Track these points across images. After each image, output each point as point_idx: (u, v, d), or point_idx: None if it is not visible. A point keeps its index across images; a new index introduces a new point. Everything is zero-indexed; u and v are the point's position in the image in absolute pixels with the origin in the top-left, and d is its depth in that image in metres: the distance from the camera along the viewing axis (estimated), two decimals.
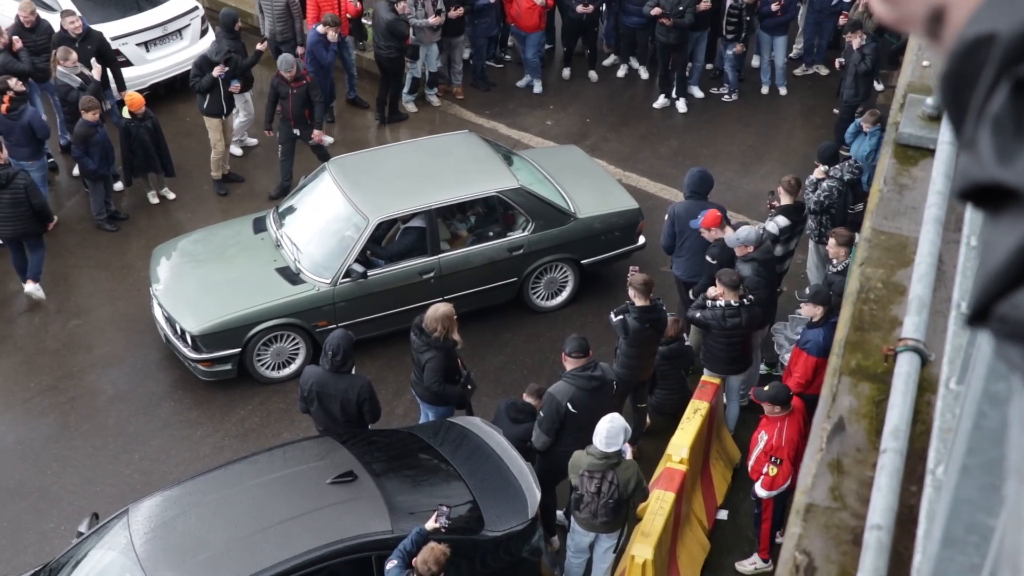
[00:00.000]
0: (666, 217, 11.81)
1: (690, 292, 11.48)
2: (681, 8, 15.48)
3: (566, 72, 17.32)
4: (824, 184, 11.92)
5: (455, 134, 13.84)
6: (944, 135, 5.46)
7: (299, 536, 8.21)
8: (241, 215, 13.22)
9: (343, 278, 11.62)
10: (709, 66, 17.10)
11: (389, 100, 16.03)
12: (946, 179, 5.07)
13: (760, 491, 9.47)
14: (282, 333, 11.63)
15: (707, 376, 10.63)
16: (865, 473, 4.71)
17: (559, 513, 10.12)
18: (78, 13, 14.50)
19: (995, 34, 1.18)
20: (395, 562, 7.84)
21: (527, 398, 10.06)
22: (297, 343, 11.74)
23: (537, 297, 12.76)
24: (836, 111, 15.33)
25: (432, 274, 11.99)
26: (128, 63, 15.53)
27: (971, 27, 1.21)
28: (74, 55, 13.59)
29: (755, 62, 17.14)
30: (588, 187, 13.04)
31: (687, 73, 16.58)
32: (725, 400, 10.99)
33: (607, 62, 17.62)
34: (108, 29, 15.29)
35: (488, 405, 10.90)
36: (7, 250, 13.02)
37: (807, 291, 10.09)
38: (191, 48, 15.94)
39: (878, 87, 15.37)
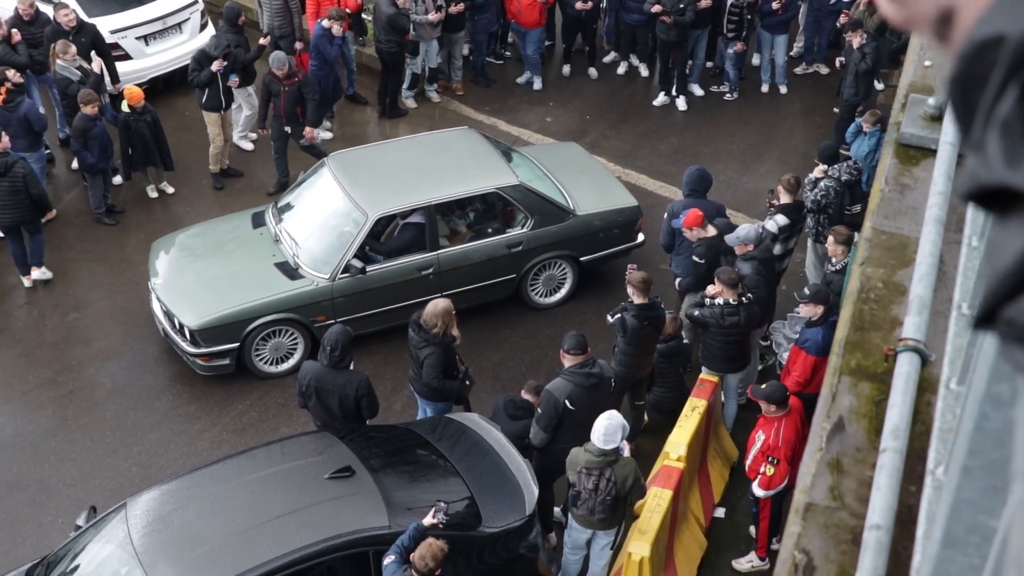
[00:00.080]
0: (665, 215, 11.82)
1: (676, 283, 11.47)
2: (682, 6, 15.48)
3: (566, 69, 17.32)
4: (822, 183, 11.92)
5: (455, 130, 13.83)
6: (946, 135, 5.45)
7: (297, 531, 8.21)
8: (240, 210, 13.21)
9: (342, 273, 11.62)
10: (709, 64, 17.11)
11: (389, 95, 16.02)
12: (947, 179, 5.07)
13: (757, 490, 9.47)
14: (280, 328, 11.63)
15: (705, 374, 10.63)
16: (864, 473, 4.71)
17: (556, 510, 10.12)
18: (72, 6, 14.47)
19: (1004, 36, 1.17)
20: (392, 557, 7.84)
21: (525, 395, 10.06)
22: (295, 338, 11.74)
23: (536, 294, 12.76)
24: (836, 110, 15.33)
25: (431, 270, 11.99)
26: (127, 57, 15.52)
27: (980, 29, 1.21)
28: (73, 48, 13.58)
29: (755, 60, 17.14)
30: (587, 184, 13.03)
31: (687, 71, 16.57)
32: (723, 398, 11.00)
33: (607, 59, 17.62)
34: (108, 23, 15.29)
35: (486, 401, 10.90)
36: (5, 243, 13.05)
37: (806, 291, 10.09)
38: (191, 42, 15.93)
39: (878, 86, 15.37)
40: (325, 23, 14.71)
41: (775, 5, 15.85)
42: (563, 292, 12.85)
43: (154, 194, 14.42)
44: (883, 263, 6.03)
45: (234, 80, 14.33)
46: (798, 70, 17.29)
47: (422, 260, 11.97)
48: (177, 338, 11.55)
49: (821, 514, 4.62)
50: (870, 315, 5.69)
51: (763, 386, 9.44)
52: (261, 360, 11.70)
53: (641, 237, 12.90)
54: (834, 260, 10.77)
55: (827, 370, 5.52)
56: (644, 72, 17.30)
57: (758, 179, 14.84)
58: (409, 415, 10.97)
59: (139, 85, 14.44)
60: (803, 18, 17.19)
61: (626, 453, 9.10)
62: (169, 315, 11.60)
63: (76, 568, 8.42)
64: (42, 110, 13.87)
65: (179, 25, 16.11)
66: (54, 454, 10.96)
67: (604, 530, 9.13)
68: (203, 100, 14.22)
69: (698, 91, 16.76)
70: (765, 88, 16.87)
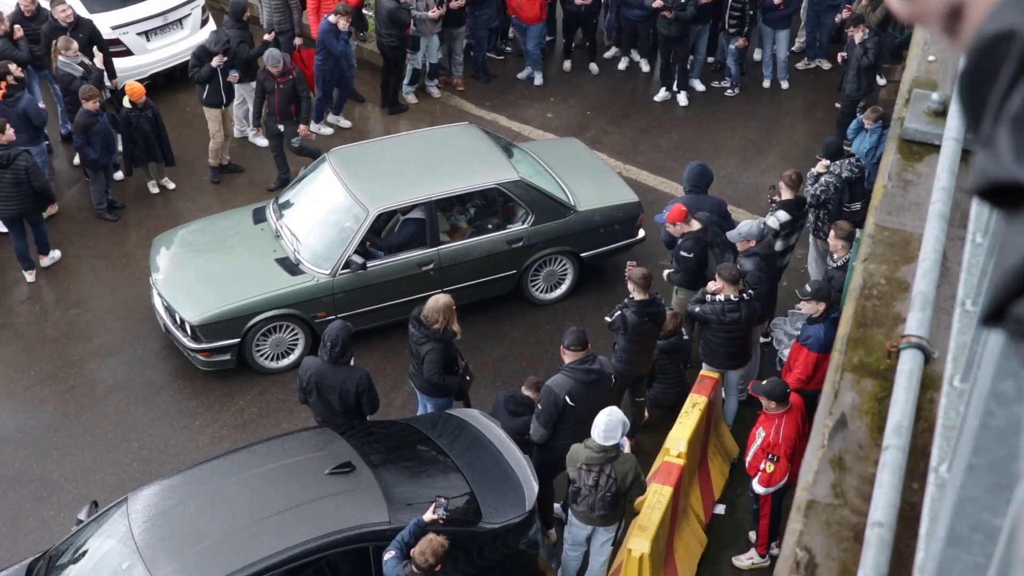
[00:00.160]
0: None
1: (664, 275, 11.45)
2: (683, 1, 15.46)
3: (567, 64, 17.30)
4: (823, 179, 11.91)
5: (455, 126, 13.82)
6: (949, 130, 5.44)
7: (297, 526, 8.21)
8: (241, 205, 13.21)
9: (342, 269, 11.62)
10: (711, 59, 17.09)
11: (390, 89, 16.01)
12: (951, 175, 5.05)
13: (757, 487, 9.46)
14: (281, 324, 11.62)
15: (706, 370, 10.62)
16: (867, 470, 4.70)
17: (556, 506, 10.12)
18: (70, 2, 14.45)
19: (1015, 31, 1.16)
20: (393, 553, 7.84)
21: (526, 391, 10.06)
22: (296, 334, 11.74)
23: (536, 290, 12.76)
24: (838, 105, 15.31)
25: (431, 266, 11.98)
26: (129, 52, 15.51)
27: (990, 24, 1.20)
28: (75, 45, 13.58)
29: (757, 55, 17.11)
30: (588, 180, 13.02)
31: (688, 66, 16.56)
32: (724, 395, 10.99)
33: (608, 55, 17.60)
34: (109, 18, 15.30)
35: (486, 397, 10.90)
36: (6, 239, 13.05)
37: (807, 288, 10.07)
38: (191, 38, 15.92)
39: (881, 82, 15.36)
40: (332, 18, 14.71)
41: (776, 0, 15.82)
42: (564, 288, 12.84)
43: (155, 190, 14.42)
44: (886, 259, 6.02)
45: (234, 75, 14.33)
46: (800, 65, 17.27)
47: (423, 256, 11.96)
48: (178, 334, 11.54)
49: (823, 511, 4.62)
50: (873, 311, 5.68)
51: (764, 382, 9.43)
52: (262, 356, 11.70)
53: (642, 233, 12.89)
54: (835, 256, 10.76)
55: (829, 367, 5.51)
56: (645, 67, 17.28)
57: (759, 175, 14.83)
58: (409, 411, 10.97)
59: (140, 81, 14.44)
60: (804, 13, 17.17)
61: (626, 449, 9.10)
62: (170, 311, 11.60)
63: (78, 563, 8.43)
64: (42, 105, 13.86)
65: (180, 21, 16.10)
66: (55, 449, 10.97)
67: (604, 526, 9.13)
68: (203, 96, 14.22)
69: (699, 87, 16.74)
70: (766, 83, 16.85)
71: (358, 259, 11.61)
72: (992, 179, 1.15)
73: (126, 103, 13.62)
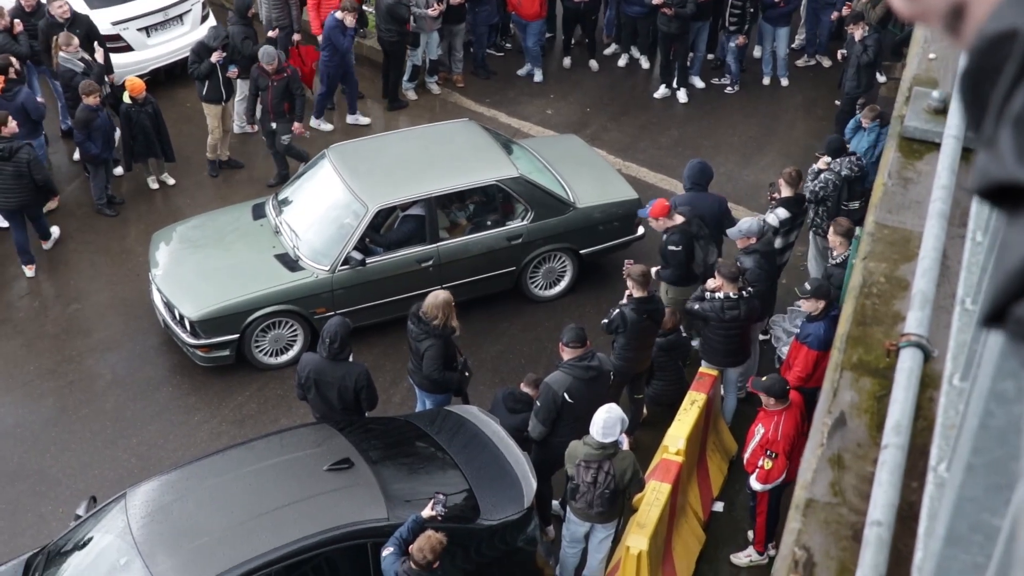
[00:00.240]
0: None
1: (652, 272, 11.43)
2: None
3: (567, 61, 17.29)
4: (822, 176, 11.92)
5: (455, 122, 13.81)
6: (949, 129, 5.43)
7: (295, 522, 8.21)
8: (240, 201, 13.20)
9: (342, 265, 11.61)
10: (711, 56, 17.08)
11: (390, 85, 16.01)
12: (951, 173, 5.05)
13: (755, 484, 9.46)
14: (280, 319, 11.62)
15: (705, 368, 10.62)
16: (866, 469, 4.70)
17: (555, 503, 10.12)
18: None
19: (1017, 30, 1.16)
20: (391, 549, 7.84)
21: (524, 388, 10.06)
22: (295, 330, 11.74)
23: (535, 286, 12.75)
24: (838, 103, 15.31)
25: (431, 262, 11.98)
26: (129, 48, 15.51)
27: (992, 23, 1.20)
28: (76, 40, 13.57)
29: (757, 52, 17.11)
30: (588, 177, 13.01)
31: (688, 63, 16.55)
32: (723, 392, 10.99)
33: (608, 51, 17.59)
34: (109, 14, 15.29)
35: (485, 394, 10.90)
36: (5, 234, 13.06)
37: (807, 286, 10.06)
38: (192, 33, 15.91)
39: (881, 79, 15.35)
40: (338, 14, 14.71)
41: None
42: (563, 285, 12.84)
43: (155, 185, 14.41)
44: (886, 257, 6.01)
45: (233, 71, 14.32)
46: (799, 62, 17.27)
47: (422, 252, 11.96)
48: (177, 329, 11.54)
49: (822, 510, 4.61)
50: (872, 310, 5.67)
51: (763, 379, 9.44)
52: (261, 351, 11.70)
53: (641, 230, 12.88)
54: (835, 253, 10.76)
55: (828, 365, 5.51)
56: (645, 64, 17.28)
57: (759, 172, 14.83)
58: (408, 407, 10.97)
59: (140, 76, 14.43)
60: (804, 10, 17.17)
61: (625, 446, 9.09)
62: (169, 306, 11.60)
63: (76, 558, 8.43)
64: (40, 99, 13.85)
65: (180, 16, 16.09)
66: (54, 444, 10.97)
67: (602, 523, 9.13)
68: (203, 92, 14.21)
69: (699, 83, 16.74)
70: (766, 80, 16.85)
71: (357, 255, 11.60)
72: (993, 179, 1.15)
73: (126, 99, 13.62)
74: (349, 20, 14.72)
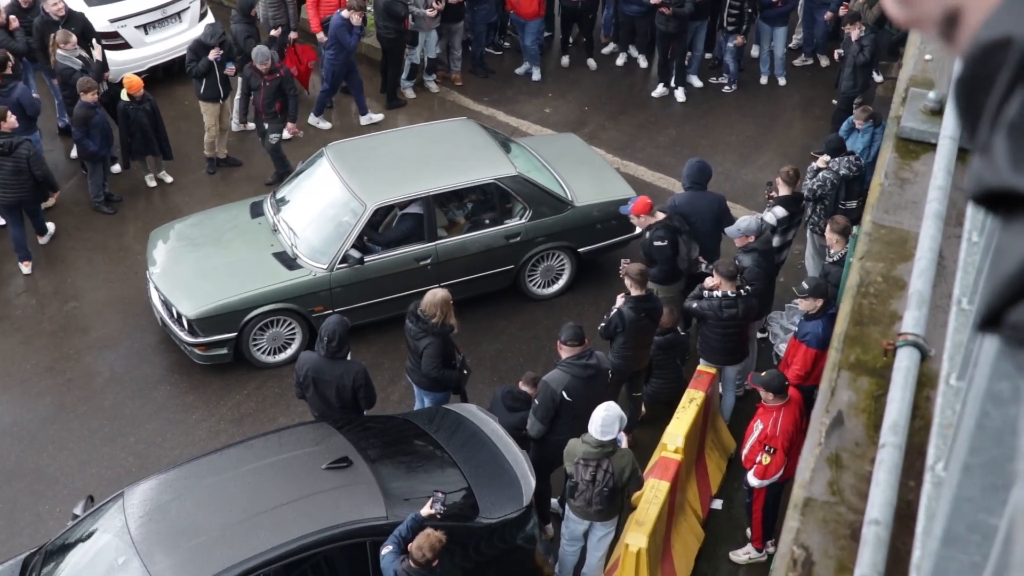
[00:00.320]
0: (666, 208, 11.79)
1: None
2: None
3: (565, 60, 17.30)
4: (821, 174, 11.94)
5: (453, 121, 13.82)
6: (946, 129, 5.45)
7: (294, 521, 8.21)
8: (238, 199, 13.20)
9: (340, 264, 11.61)
10: (708, 56, 17.08)
11: (388, 83, 16.00)
12: (947, 174, 5.06)
13: (752, 480, 9.47)
14: (278, 318, 11.62)
15: (703, 366, 10.63)
16: (864, 468, 4.71)
17: (554, 501, 10.13)
18: None
19: (1012, 38, 1.17)
20: (390, 548, 7.85)
21: (523, 386, 10.07)
22: (293, 328, 11.74)
23: (534, 285, 12.76)
24: (835, 102, 15.32)
25: (429, 260, 11.98)
26: (127, 46, 15.50)
27: (987, 30, 1.21)
28: (74, 38, 13.56)
29: (754, 52, 17.12)
30: (586, 175, 13.02)
31: (686, 62, 16.55)
32: (721, 390, 11.00)
33: (606, 50, 17.60)
34: (107, 11, 15.29)
35: (484, 392, 10.90)
36: (3, 232, 13.05)
37: (804, 285, 10.07)
38: (190, 31, 15.89)
39: (877, 78, 15.36)
40: (344, 13, 14.71)
41: None
42: (561, 283, 12.85)
43: (152, 183, 14.41)
44: (883, 257, 6.02)
45: (231, 68, 14.31)
46: (797, 62, 17.28)
47: (420, 250, 11.96)
48: (175, 327, 11.54)
49: (820, 509, 4.63)
50: (869, 309, 5.69)
51: (763, 374, 9.46)
52: (259, 350, 11.70)
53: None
54: (832, 251, 10.77)
55: (826, 364, 5.52)
56: (643, 63, 17.28)
57: (757, 171, 14.84)
58: (406, 405, 10.98)
59: (139, 74, 14.43)
60: (801, 10, 17.18)
61: (623, 444, 9.10)
62: (167, 304, 11.59)
63: (73, 557, 8.43)
64: (35, 95, 13.85)
65: (178, 14, 16.08)
66: (52, 443, 10.97)
67: (601, 521, 9.14)
68: (201, 90, 14.20)
69: (697, 83, 16.74)
70: (764, 80, 16.86)
71: (355, 254, 11.60)
72: (988, 186, 1.16)
73: (124, 96, 13.61)
74: (356, 19, 14.71)
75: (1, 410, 11.34)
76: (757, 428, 9.35)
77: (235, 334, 11.45)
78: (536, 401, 9.51)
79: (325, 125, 15.53)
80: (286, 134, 14.22)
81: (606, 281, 12.67)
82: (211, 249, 12.08)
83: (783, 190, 11.67)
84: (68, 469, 10.70)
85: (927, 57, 7.74)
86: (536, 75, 16.89)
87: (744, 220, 11.03)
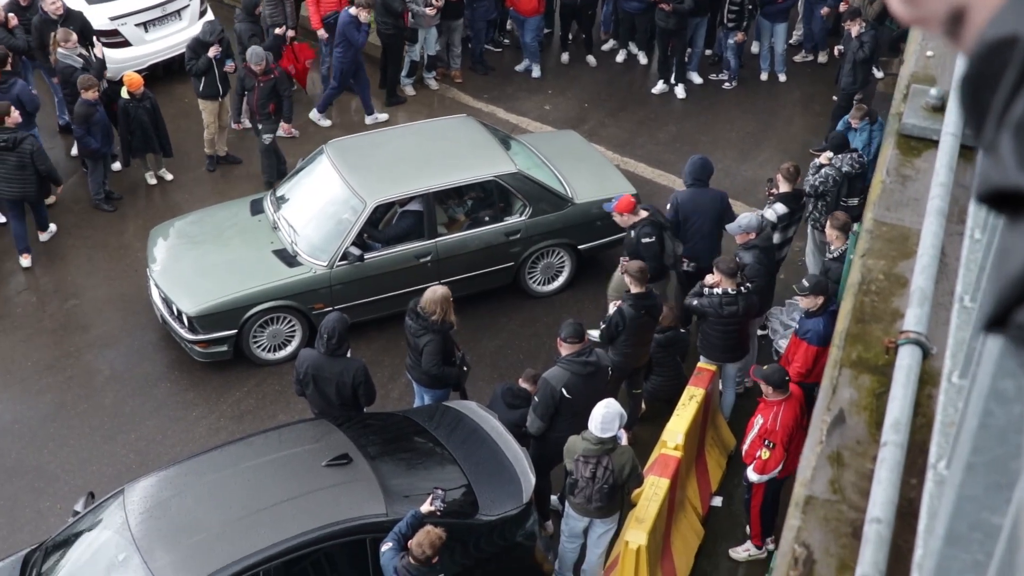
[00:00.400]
0: (668, 206, 11.78)
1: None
2: None
3: (565, 57, 17.29)
4: (823, 170, 11.94)
5: (453, 118, 13.81)
6: (948, 126, 5.44)
7: (294, 518, 8.22)
8: (238, 197, 13.19)
9: (340, 261, 11.61)
10: (708, 52, 17.07)
11: (388, 80, 15.98)
12: (949, 170, 5.05)
13: (751, 475, 9.47)
14: (278, 315, 11.62)
15: (703, 363, 10.63)
16: (865, 466, 4.71)
17: (553, 498, 10.13)
18: None
19: (1018, 36, 1.16)
20: (390, 544, 7.85)
21: (523, 383, 10.07)
22: (293, 325, 11.73)
23: (534, 282, 12.76)
24: (835, 98, 15.32)
25: (429, 258, 11.98)
26: (127, 43, 15.49)
27: (992, 29, 1.20)
28: (74, 36, 13.56)
29: (755, 48, 17.11)
30: (586, 172, 13.01)
31: (686, 59, 16.54)
32: (721, 387, 11.00)
33: (606, 47, 17.58)
34: (107, 9, 15.27)
35: (484, 390, 10.90)
36: (4, 228, 13.05)
37: (804, 283, 10.06)
38: (190, 29, 15.87)
39: (878, 74, 15.35)
40: (352, 10, 14.68)
41: None
42: (561, 280, 12.84)
43: (153, 181, 14.40)
44: (884, 255, 6.02)
45: (230, 65, 14.30)
46: (797, 58, 17.27)
47: (420, 248, 11.96)
48: (175, 325, 11.54)
49: (821, 507, 4.62)
50: (871, 307, 5.68)
51: (764, 367, 9.48)
52: (259, 347, 11.70)
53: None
54: (832, 247, 10.77)
55: (828, 362, 5.51)
56: (643, 60, 17.27)
57: (757, 167, 14.83)
58: (406, 403, 10.98)
59: (139, 72, 14.41)
60: (801, 6, 17.17)
61: (623, 441, 9.10)
62: (167, 302, 11.59)
63: (74, 554, 8.43)
64: (34, 91, 13.85)
65: (178, 12, 16.06)
66: (52, 440, 10.96)
67: (601, 518, 9.14)
68: (200, 88, 14.19)
69: (697, 79, 16.73)
70: (764, 76, 16.85)
71: (355, 251, 11.60)
72: (994, 186, 1.15)
73: (124, 94, 13.60)
74: (363, 16, 14.68)
75: (2, 408, 11.34)
76: (757, 423, 9.35)
77: (235, 331, 11.44)
78: (536, 398, 9.51)
79: (325, 123, 15.51)
80: (281, 133, 14.18)
81: (606, 278, 12.64)
82: (211, 246, 12.08)
83: (783, 187, 11.66)
84: (69, 466, 10.71)
85: (929, 53, 7.73)
86: (536, 72, 16.88)
87: (744, 217, 11.02)
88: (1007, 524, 1.94)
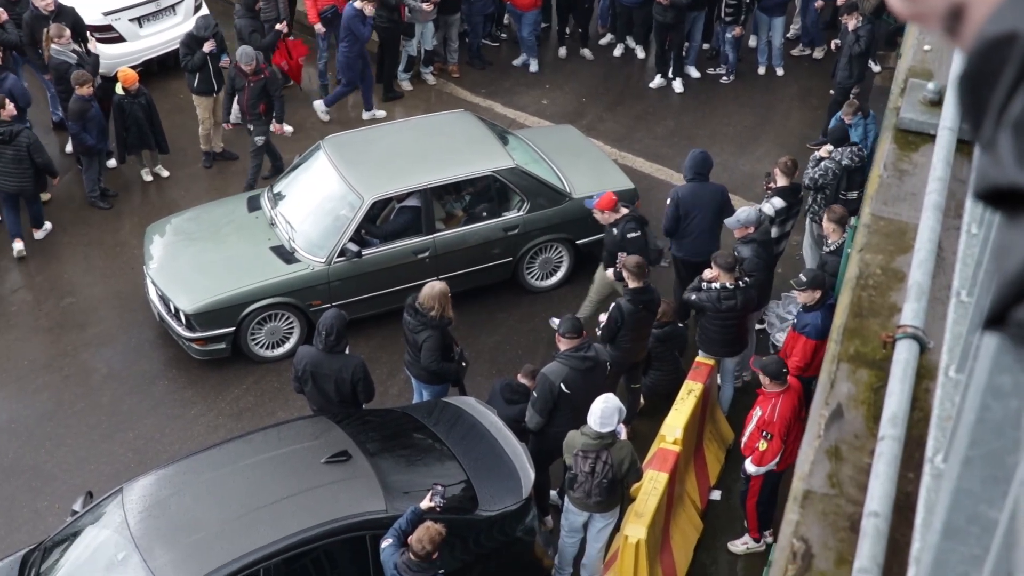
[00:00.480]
0: (668, 201, 11.77)
1: (609, 272, 11.46)
2: None
3: (562, 51, 17.28)
4: (823, 163, 11.94)
5: (450, 113, 13.80)
6: (945, 121, 5.44)
7: (293, 515, 8.22)
8: (235, 193, 13.18)
9: (337, 257, 11.60)
10: (706, 46, 17.06)
11: (385, 75, 15.96)
12: (946, 165, 5.05)
13: (749, 467, 9.48)
14: (276, 312, 11.61)
15: (701, 357, 10.64)
16: (863, 460, 4.71)
17: (553, 493, 10.14)
18: None
19: (1016, 33, 1.16)
20: (390, 541, 7.86)
21: (522, 379, 10.07)
22: (291, 322, 11.73)
23: (532, 277, 12.76)
24: (832, 92, 15.31)
25: (427, 253, 11.97)
26: (121, 39, 15.46)
27: (991, 25, 1.20)
28: (68, 32, 13.52)
29: (752, 42, 17.10)
30: (583, 167, 13.01)
31: (684, 53, 16.53)
32: (719, 381, 11.01)
33: (603, 41, 17.57)
34: (101, 4, 15.22)
35: (482, 385, 10.91)
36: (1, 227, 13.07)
37: (802, 278, 10.06)
38: (185, 24, 15.83)
39: (875, 68, 15.35)
40: (357, 4, 14.65)
41: None
42: (559, 275, 12.84)
43: (148, 177, 14.38)
44: (882, 249, 6.02)
45: (225, 60, 14.27)
46: (795, 52, 17.26)
47: (418, 243, 11.95)
48: (173, 322, 11.53)
49: (819, 501, 4.63)
50: (868, 302, 5.68)
51: (764, 358, 9.50)
52: (257, 344, 11.69)
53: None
54: (829, 240, 10.77)
55: (825, 356, 5.52)
56: (640, 54, 17.26)
57: (754, 162, 14.83)
58: (405, 399, 10.98)
59: (133, 67, 14.38)
60: (799, 0, 17.17)
61: (622, 436, 9.11)
62: (164, 299, 11.58)
63: (73, 553, 8.43)
64: (26, 84, 13.83)
65: (173, 7, 16.03)
66: (49, 439, 10.96)
67: (600, 513, 9.15)
68: (194, 84, 14.16)
69: (694, 73, 16.72)
70: (761, 70, 16.84)
71: (353, 247, 11.59)
72: (993, 184, 1.15)
73: (119, 90, 13.57)
74: (368, 9, 14.65)
75: None
76: (756, 415, 9.37)
77: (233, 328, 11.44)
78: (535, 393, 9.51)
79: (325, 117, 15.49)
80: (273, 132, 14.16)
81: None
82: (208, 243, 12.06)
83: (781, 181, 11.66)
84: (66, 465, 10.70)
85: (926, 48, 7.72)
86: (533, 66, 16.87)
87: (743, 211, 11.02)
88: (1004, 518, 1.95)
